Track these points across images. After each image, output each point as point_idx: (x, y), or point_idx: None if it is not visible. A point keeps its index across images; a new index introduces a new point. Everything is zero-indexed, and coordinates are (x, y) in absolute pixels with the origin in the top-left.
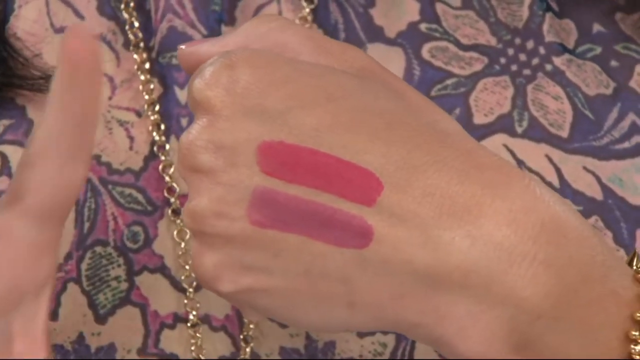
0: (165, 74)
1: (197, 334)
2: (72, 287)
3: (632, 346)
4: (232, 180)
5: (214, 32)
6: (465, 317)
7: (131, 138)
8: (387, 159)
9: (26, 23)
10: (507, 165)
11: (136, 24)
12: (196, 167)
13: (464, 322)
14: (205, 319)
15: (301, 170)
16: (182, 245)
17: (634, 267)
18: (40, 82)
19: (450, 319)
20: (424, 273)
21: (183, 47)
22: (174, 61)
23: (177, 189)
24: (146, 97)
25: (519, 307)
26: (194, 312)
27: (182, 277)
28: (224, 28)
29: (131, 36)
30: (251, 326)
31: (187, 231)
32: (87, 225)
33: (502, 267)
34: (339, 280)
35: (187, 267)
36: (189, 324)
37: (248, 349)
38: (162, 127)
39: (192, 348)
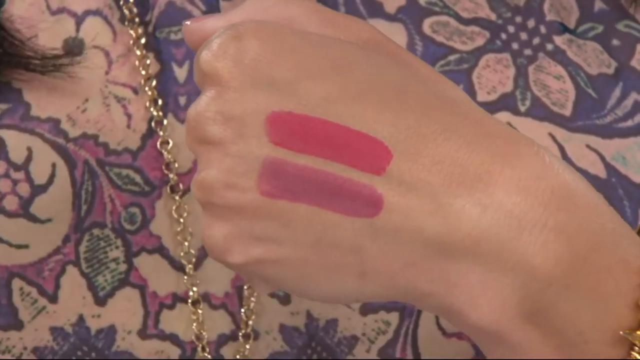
0: (162, 49)
1: (198, 310)
2: (71, 270)
3: None
4: (241, 151)
5: (212, 7)
6: (476, 285)
7: (128, 115)
8: (396, 127)
9: (22, 7)
10: (515, 133)
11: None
12: (205, 139)
13: (475, 291)
14: (205, 297)
15: (310, 140)
16: (181, 221)
17: None
18: (35, 63)
19: (461, 287)
20: (434, 241)
21: (188, 22)
22: (172, 36)
23: (176, 165)
24: (143, 72)
25: (530, 274)
26: (194, 289)
27: (181, 254)
28: (222, 3)
29: (126, 11)
30: (252, 299)
31: (185, 208)
32: (84, 208)
33: (513, 234)
34: (350, 249)
35: (185, 243)
36: (189, 301)
37: (250, 322)
38: (160, 102)
39: (194, 325)
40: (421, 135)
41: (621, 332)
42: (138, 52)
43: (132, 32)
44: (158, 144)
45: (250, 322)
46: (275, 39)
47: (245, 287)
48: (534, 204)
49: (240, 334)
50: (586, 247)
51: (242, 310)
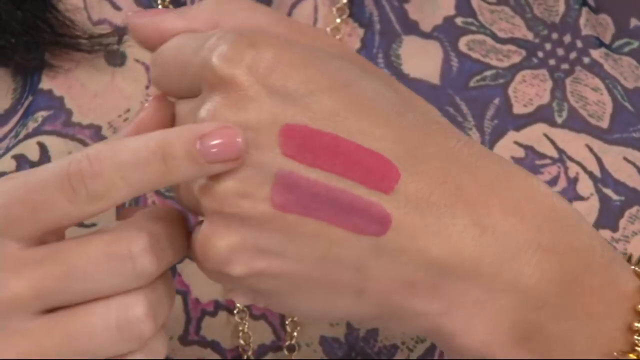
0: None
1: (244, 321)
2: None
3: (636, 337)
4: (256, 161)
5: None
6: (472, 307)
7: None
8: (402, 145)
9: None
10: (503, 158)
11: None
12: None
13: (471, 312)
14: (246, 307)
15: (322, 154)
16: None
17: (633, 267)
18: (83, 42)
19: (457, 308)
20: (437, 262)
21: (130, 14)
22: None
23: None
24: None
25: (524, 295)
26: None
27: None
28: None
29: None
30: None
31: None
32: None
33: (510, 255)
34: (353, 267)
35: None
36: (235, 311)
37: (295, 333)
38: None
39: (240, 334)
40: (426, 154)
41: (615, 354)
42: None
43: None
44: None
45: (295, 334)
46: (287, 50)
47: None
48: (529, 225)
49: (284, 345)
50: (578, 266)
51: (287, 322)
